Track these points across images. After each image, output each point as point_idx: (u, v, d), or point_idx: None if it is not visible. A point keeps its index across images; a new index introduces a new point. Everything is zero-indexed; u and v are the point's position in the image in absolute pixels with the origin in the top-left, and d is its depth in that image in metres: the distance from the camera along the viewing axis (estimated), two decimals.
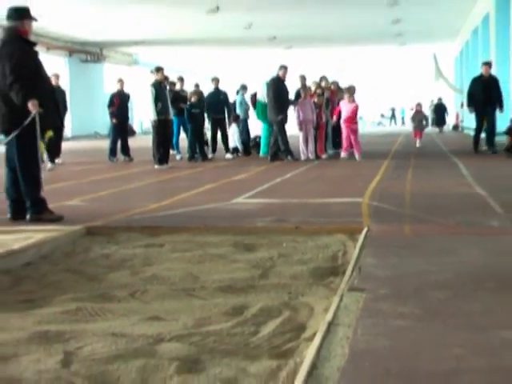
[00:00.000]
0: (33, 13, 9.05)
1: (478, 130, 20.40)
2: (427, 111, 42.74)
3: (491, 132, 20.18)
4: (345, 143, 19.71)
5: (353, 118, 19.52)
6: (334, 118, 20.90)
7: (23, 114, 8.52)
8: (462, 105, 38.01)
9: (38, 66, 9.01)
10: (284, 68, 19.84)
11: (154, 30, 35.93)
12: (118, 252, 6.96)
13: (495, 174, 14.51)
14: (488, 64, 20.54)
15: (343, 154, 19.67)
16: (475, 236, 7.27)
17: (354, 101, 19.84)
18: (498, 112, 20.01)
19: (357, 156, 19.28)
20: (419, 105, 28.80)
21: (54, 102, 9.34)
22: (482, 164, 17.01)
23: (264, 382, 3.50)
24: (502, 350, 3.81)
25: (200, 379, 3.55)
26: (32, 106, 8.54)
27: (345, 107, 19.52)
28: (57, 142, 19.68)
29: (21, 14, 9.06)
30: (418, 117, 27.62)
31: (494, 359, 3.68)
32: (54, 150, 19.22)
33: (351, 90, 19.75)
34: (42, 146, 9.41)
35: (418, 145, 25.64)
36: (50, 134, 13.78)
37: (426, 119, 28.75)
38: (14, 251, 6.63)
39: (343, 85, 24.91)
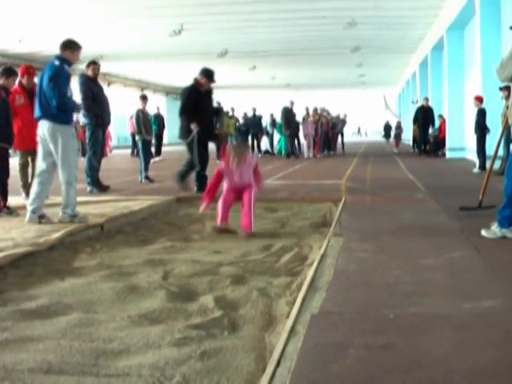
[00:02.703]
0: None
1: (420, 140, 20.39)
2: (382, 130, 42.29)
3: (424, 141, 20.17)
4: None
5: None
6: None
7: (189, 131, 8.63)
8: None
9: (200, 103, 8.69)
10: (291, 102, 20.02)
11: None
12: (195, 212, 6.93)
13: (420, 166, 14.40)
14: (426, 99, 20.50)
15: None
16: (408, 203, 7.21)
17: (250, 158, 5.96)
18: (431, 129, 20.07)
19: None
20: (399, 122, 27.35)
21: (211, 125, 9.17)
22: (412, 160, 16.93)
23: (282, 290, 3.50)
24: (423, 271, 3.80)
25: (244, 288, 3.56)
26: (193, 127, 8.61)
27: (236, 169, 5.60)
28: (158, 146, 19.76)
29: (203, 72, 8.82)
30: (397, 131, 26.25)
31: (417, 276, 3.68)
32: (157, 151, 19.38)
33: (238, 151, 5.58)
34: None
35: (395, 151, 23.46)
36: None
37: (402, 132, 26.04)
38: (135, 211, 6.67)
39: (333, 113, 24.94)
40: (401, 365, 2.32)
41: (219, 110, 9.75)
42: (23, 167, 8.06)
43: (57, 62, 5.91)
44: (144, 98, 11.94)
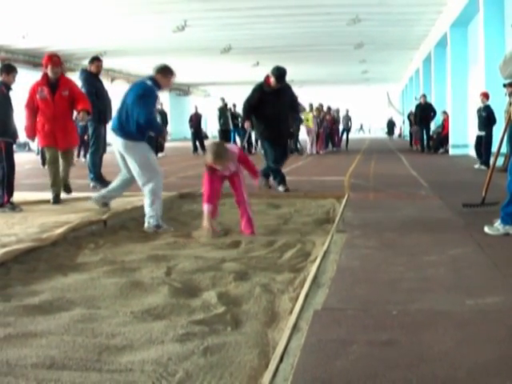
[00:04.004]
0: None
1: (421, 137, 20.29)
2: (385, 127, 42.18)
3: (427, 138, 20.10)
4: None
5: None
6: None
7: (244, 128, 8.76)
8: (403, 122, 37.67)
9: (263, 102, 8.27)
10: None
11: (219, 75, 35.79)
12: (198, 208, 6.89)
13: (423, 163, 14.38)
14: (424, 96, 20.46)
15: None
16: (410, 200, 7.20)
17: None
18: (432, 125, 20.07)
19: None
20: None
21: (278, 124, 8.51)
22: (415, 157, 16.90)
23: (285, 286, 3.49)
24: (426, 268, 3.80)
25: (247, 284, 3.55)
26: (246, 126, 8.69)
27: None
28: (162, 142, 19.74)
29: (273, 71, 8.38)
30: (416, 128, 24.81)
31: (421, 273, 3.68)
32: (161, 147, 19.38)
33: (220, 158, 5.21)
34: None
35: (415, 148, 21.97)
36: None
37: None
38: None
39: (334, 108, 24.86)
40: (404, 361, 2.32)
41: (295, 107, 9.51)
42: (51, 163, 7.39)
43: (149, 82, 5.88)
44: None
